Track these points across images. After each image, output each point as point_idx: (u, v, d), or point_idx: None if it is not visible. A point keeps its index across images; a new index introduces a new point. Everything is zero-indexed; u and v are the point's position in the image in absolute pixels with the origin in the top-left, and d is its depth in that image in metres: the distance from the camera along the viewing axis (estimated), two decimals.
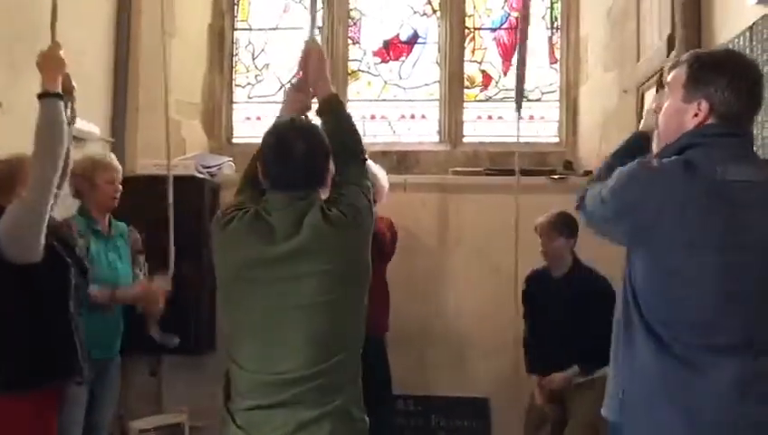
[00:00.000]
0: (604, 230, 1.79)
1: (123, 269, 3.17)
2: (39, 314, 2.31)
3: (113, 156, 3.28)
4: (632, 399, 1.66)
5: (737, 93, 1.67)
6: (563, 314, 3.32)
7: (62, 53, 2.39)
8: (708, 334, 1.59)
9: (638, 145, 1.89)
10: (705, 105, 1.68)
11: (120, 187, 3.15)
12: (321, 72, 2.10)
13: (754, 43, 2.80)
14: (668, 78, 1.80)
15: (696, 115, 1.69)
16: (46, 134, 2.23)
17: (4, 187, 2.39)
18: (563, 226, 3.36)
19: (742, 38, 2.91)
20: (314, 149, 1.85)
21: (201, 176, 3.97)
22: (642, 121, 1.98)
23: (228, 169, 4.30)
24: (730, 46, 3.02)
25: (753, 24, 2.79)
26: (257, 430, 1.77)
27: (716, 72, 1.69)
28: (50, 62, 2.35)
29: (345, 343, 1.82)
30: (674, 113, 1.73)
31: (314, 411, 1.75)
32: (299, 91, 2.15)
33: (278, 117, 2.12)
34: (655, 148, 1.80)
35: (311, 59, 2.12)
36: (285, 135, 1.86)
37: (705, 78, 1.68)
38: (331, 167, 1.91)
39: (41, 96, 2.28)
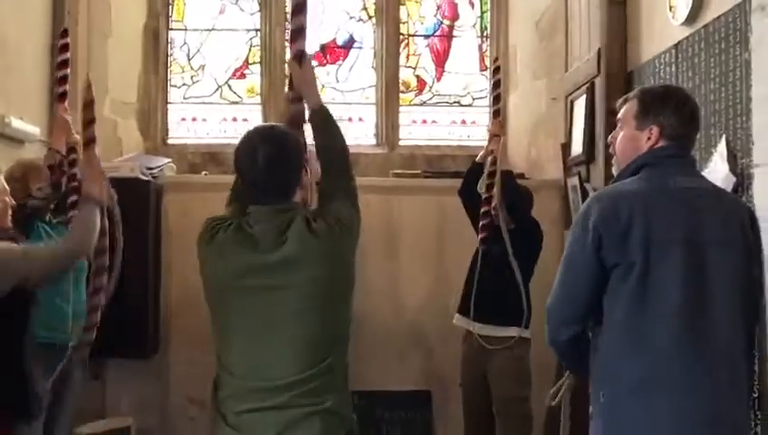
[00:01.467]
0: (592, 281, 1.91)
1: None
2: None
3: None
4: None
5: (681, 118, 1.97)
6: (499, 259, 3.49)
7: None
8: (679, 316, 1.81)
9: None
10: (655, 130, 1.96)
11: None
12: (306, 85, 2.14)
13: (680, 60, 3.08)
14: (620, 113, 2.07)
15: (648, 139, 1.97)
16: (83, 238, 2.50)
17: None
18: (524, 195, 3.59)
19: (668, 54, 3.20)
20: (279, 158, 1.87)
21: (145, 178, 3.94)
22: None
23: (169, 170, 4.29)
24: (656, 62, 3.31)
25: (679, 42, 3.07)
26: (249, 429, 1.83)
27: (662, 102, 1.99)
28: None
29: (333, 347, 1.87)
30: (629, 141, 2.01)
31: (305, 410, 1.81)
32: (291, 103, 2.15)
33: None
34: (615, 171, 2.08)
35: (294, 74, 2.16)
36: (250, 143, 1.89)
37: (654, 108, 1.98)
38: (308, 175, 1.98)
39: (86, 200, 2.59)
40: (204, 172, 4.55)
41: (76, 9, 4.19)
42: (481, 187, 3.55)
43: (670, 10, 3.12)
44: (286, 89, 2.37)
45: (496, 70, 3.67)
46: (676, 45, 3.10)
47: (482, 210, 3.52)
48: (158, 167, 4.15)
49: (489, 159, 3.54)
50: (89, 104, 3.04)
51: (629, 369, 1.83)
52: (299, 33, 2.15)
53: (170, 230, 4.15)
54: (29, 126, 3.62)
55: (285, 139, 1.93)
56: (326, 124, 2.07)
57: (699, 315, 1.81)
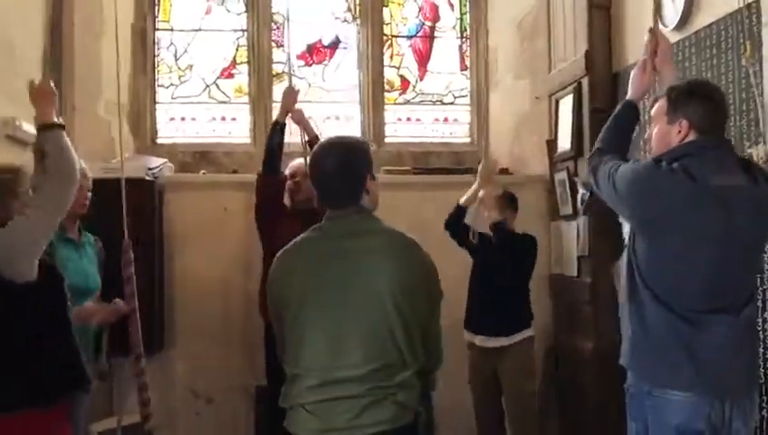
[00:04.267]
0: (609, 203, 2.22)
1: (93, 275, 3.19)
2: (44, 330, 2.35)
3: (83, 162, 3.26)
4: (644, 348, 2.11)
5: (707, 110, 2.15)
6: (495, 274, 3.75)
7: (52, 84, 2.58)
8: (704, 302, 2.05)
9: (631, 113, 2.39)
10: (685, 123, 2.15)
11: (90, 193, 3.17)
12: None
13: None
14: (652, 111, 2.29)
15: (679, 132, 2.16)
16: (61, 161, 2.37)
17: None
18: (510, 200, 3.87)
19: None
20: (344, 166, 2.02)
21: (149, 178, 3.99)
22: (630, 89, 2.44)
23: (168, 170, 4.33)
24: None
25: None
26: (326, 415, 1.95)
27: (690, 96, 2.17)
28: (44, 95, 2.52)
29: (401, 341, 1.97)
30: (662, 135, 2.21)
31: (377, 398, 1.94)
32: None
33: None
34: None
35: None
36: (318, 154, 2.06)
37: (681, 103, 2.17)
38: (371, 178, 2.06)
39: (44, 128, 2.44)
40: (202, 171, 4.61)
41: (71, 10, 4.21)
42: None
43: (660, 16, 3.36)
44: None
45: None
46: None
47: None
48: (158, 167, 4.19)
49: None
50: None
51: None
52: None
53: (172, 229, 4.21)
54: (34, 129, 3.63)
55: (350, 147, 2.09)
56: None
57: (724, 297, 2.06)
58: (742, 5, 2.74)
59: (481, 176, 3.83)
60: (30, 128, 3.52)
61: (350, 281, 1.97)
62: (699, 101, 2.15)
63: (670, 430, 2.03)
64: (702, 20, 3.07)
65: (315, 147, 2.12)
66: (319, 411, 1.96)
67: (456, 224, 3.88)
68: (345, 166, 2.02)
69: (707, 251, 2.03)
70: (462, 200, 3.89)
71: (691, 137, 2.14)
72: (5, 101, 3.38)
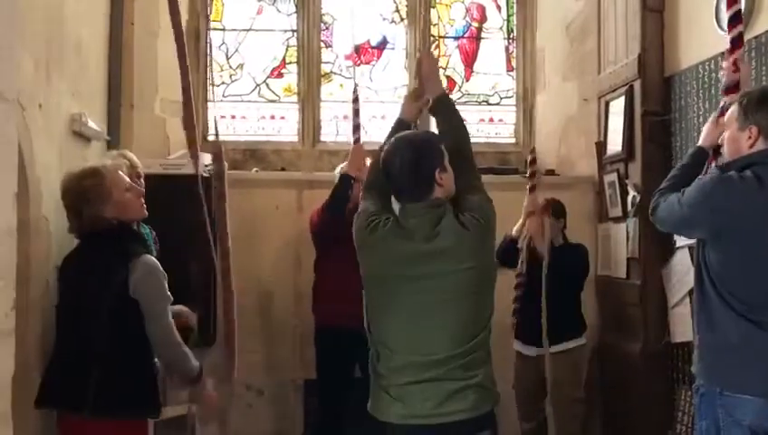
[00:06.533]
0: (679, 230, 2.24)
1: None
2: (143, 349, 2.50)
3: (135, 159, 3.40)
4: (716, 352, 2.15)
5: None
6: (547, 284, 3.72)
7: None
8: None
9: (700, 159, 2.39)
10: (755, 130, 2.20)
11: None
12: (434, 74, 2.41)
13: None
14: (725, 116, 2.35)
15: (749, 138, 2.21)
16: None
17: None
18: (555, 208, 3.89)
19: (712, 62, 3.46)
20: (415, 160, 2.11)
21: (206, 175, 4.07)
22: (702, 137, 2.47)
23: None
24: (700, 68, 3.57)
25: (725, 51, 3.32)
26: (410, 400, 2.06)
27: (759, 103, 2.22)
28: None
29: (480, 327, 2.10)
30: (733, 141, 2.27)
31: (459, 383, 2.04)
32: (415, 99, 2.44)
33: (398, 118, 2.45)
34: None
35: (424, 64, 2.41)
36: (389, 151, 2.17)
37: (752, 109, 2.21)
38: (441, 171, 2.12)
39: None
40: (254, 169, 4.70)
41: (131, 9, 4.31)
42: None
43: (717, 20, 3.37)
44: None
45: (533, 161, 3.93)
46: (722, 54, 3.35)
47: (516, 281, 3.85)
48: (213, 163, 4.27)
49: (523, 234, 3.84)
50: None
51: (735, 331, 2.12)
52: None
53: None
54: (97, 125, 3.74)
55: (418, 144, 2.17)
56: (448, 109, 2.37)
57: None
58: None
59: (526, 209, 3.84)
60: (93, 123, 3.65)
61: (429, 271, 2.06)
62: None
63: (743, 429, 2.06)
64: (763, 24, 3.08)
65: (387, 145, 2.21)
66: (403, 397, 2.06)
67: (506, 253, 3.82)
68: (414, 162, 2.12)
69: None
70: (513, 232, 3.89)
71: (760, 143, 2.19)
72: (72, 98, 3.49)
